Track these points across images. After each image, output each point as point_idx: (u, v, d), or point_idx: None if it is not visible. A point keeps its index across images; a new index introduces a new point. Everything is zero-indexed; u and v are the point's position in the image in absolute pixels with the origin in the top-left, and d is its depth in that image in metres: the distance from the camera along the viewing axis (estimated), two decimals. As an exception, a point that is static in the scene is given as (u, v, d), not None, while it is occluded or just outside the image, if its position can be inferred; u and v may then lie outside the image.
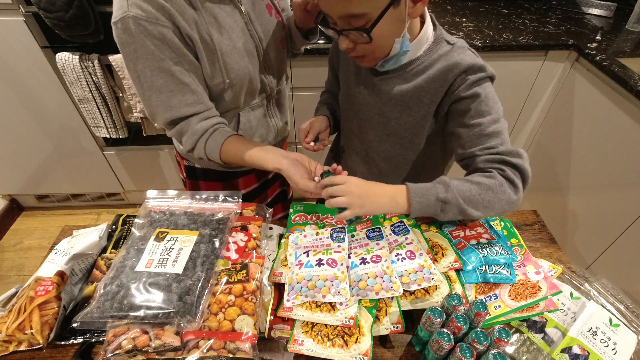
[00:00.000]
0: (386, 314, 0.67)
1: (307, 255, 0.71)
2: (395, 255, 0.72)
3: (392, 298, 0.68)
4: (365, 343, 0.62)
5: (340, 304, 0.64)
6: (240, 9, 0.78)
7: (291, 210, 0.86)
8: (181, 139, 0.81)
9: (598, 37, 1.60)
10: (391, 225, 0.79)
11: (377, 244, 0.73)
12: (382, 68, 0.79)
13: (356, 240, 0.76)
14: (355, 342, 0.62)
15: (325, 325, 0.64)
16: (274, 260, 0.75)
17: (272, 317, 0.66)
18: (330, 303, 0.65)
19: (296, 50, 1.02)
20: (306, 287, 0.66)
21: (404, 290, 0.67)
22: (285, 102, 1.03)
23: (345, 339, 0.62)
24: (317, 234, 0.76)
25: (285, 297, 0.66)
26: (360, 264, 0.70)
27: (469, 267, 0.73)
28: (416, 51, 0.76)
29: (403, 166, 0.92)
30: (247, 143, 0.80)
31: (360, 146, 0.94)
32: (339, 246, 0.73)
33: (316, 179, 0.74)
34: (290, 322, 0.66)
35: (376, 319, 0.66)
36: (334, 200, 0.68)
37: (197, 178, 1.05)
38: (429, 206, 0.69)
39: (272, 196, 1.19)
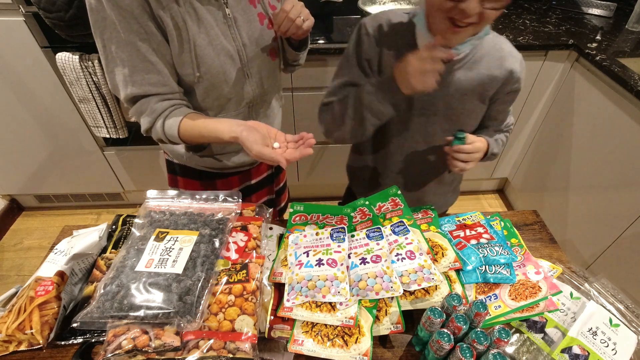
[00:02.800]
0: (386, 314, 0.67)
1: (307, 255, 0.71)
2: (395, 255, 0.72)
3: (392, 298, 0.68)
4: (365, 343, 0.62)
5: (340, 304, 0.64)
6: (224, 11, 0.77)
7: (291, 210, 0.86)
8: (140, 117, 0.78)
9: (598, 37, 1.60)
10: (391, 225, 0.79)
11: (377, 244, 0.73)
12: (457, 50, 0.77)
13: (356, 240, 0.76)
14: (355, 342, 0.62)
15: (325, 325, 0.64)
16: (274, 260, 0.75)
17: (272, 317, 0.66)
18: (330, 303, 0.65)
19: (293, 62, 0.99)
20: (306, 287, 0.66)
21: (404, 290, 0.66)
22: (272, 113, 0.99)
23: (345, 339, 0.62)
24: (317, 234, 0.76)
25: (285, 297, 0.66)
26: (360, 264, 0.70)
27: (469, 267, 0.73)
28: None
29: None
30: (205, 118, 0.78)
31: (423, 142, 0.93)
32: (339, 246, 0.73)
33: (275, 145, 0.73)
34: (290, 322, 0.65)
35: (376, 319, 0.66)
36: (462, 165, 0.84)
37: (176, 173, 1.05)
38: (486, 156, 0.92)
39: (257, 203, 1.16)
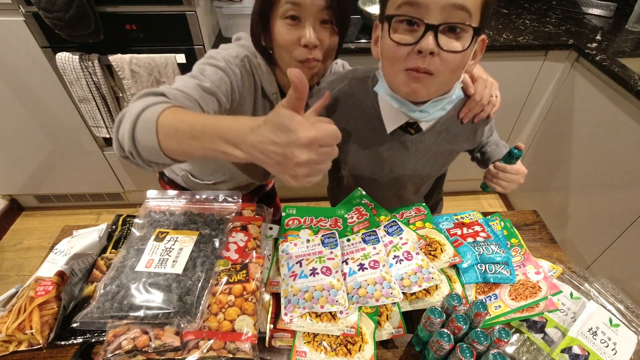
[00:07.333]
0: (387, 319, 0.66)
1: (300, 265, 0.69)
2: (393, 258, 0.71)
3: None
4: (369, 351, 0.61)
5: (340, 312, 0.63)
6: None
7: (283, 214, 0.83)
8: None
9: (598, 37, 1.60)
10: (384, 226, 0.78)
11: (374, 248, 0.72)
12: (424, 113, 0.70)
13: (352, 244, 0.74)
14: (359, 351, 0.61)
15: (327, 334, 0.63)
16: (269, 269, 0.73)
17: (272, 326, 0.65)
18: (330, 312, 0.64)
19: None
20: (303, 299, 0.64)
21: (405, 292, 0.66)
22: None
23: (348, 347, 0.62)
24: (307, 241, 0.74)
25: (283, 311, 0.64)
26: (359, 270, 0.68)
27: (465, 265, 0.73)
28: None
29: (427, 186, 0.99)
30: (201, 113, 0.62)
31: (393, 195, 0.92)
32: (331, 252, 0.71)
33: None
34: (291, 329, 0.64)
35: (377, 324, 0.65)
36: (506, 186, 0.84)
37: (164, 180, 1.07)
38: None
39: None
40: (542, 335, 0.68)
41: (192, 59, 1.46)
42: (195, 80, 0.70)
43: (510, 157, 0.82)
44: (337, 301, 0.63)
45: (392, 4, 0.62)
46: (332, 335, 0.63)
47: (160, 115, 0.55)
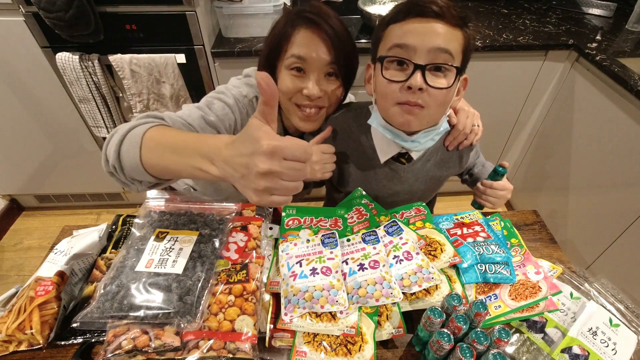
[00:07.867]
0: (387, 319, 0.66)
1: (300, 265, 0.69)
2: (393, 258, 0.71)
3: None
4: (369, 351, 0.61)
5: (340, 312, 0.63)
6: None
7: (283, 214, 0.83)
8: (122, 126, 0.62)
9: (598, 37, 1.60)
10: (384, 226, 0.78)
11: (374, 248, 0.72)
12: (415, 143, 0.77)
13: (352, 244, 0.74)
14: (359, 351, 0.61)
15: (327, 334, 0.63)
16: (269, 269, 0.73)
17: (272, 326, 0.65)
18: (330, 312, 0.64)
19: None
20: (303, 299, 0.64)
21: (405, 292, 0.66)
22: None
23: (348, 347, 0.61)
24: (307, 241, 0.74)
25: (283, 310, 0.64)
26: (359, 270, 0.68)
27: (465, 265, 0.73)
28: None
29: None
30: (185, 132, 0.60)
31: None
32: (331, 252, 0.71)
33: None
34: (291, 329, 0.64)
35: (377, 324, 0.65)
36: (494, 201, 0.89)
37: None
38: None
39: None
40: (542, 335, 0.68)
41: (192, 58, 1.46)
42: (200, 112, 0.77)
43: (496, 174, 0.87)
44: (337, 301, 0.63)
45: (383, 47, 0.70)
46: (332, 335, 0.63)
47: (147, 130, 0.56)
